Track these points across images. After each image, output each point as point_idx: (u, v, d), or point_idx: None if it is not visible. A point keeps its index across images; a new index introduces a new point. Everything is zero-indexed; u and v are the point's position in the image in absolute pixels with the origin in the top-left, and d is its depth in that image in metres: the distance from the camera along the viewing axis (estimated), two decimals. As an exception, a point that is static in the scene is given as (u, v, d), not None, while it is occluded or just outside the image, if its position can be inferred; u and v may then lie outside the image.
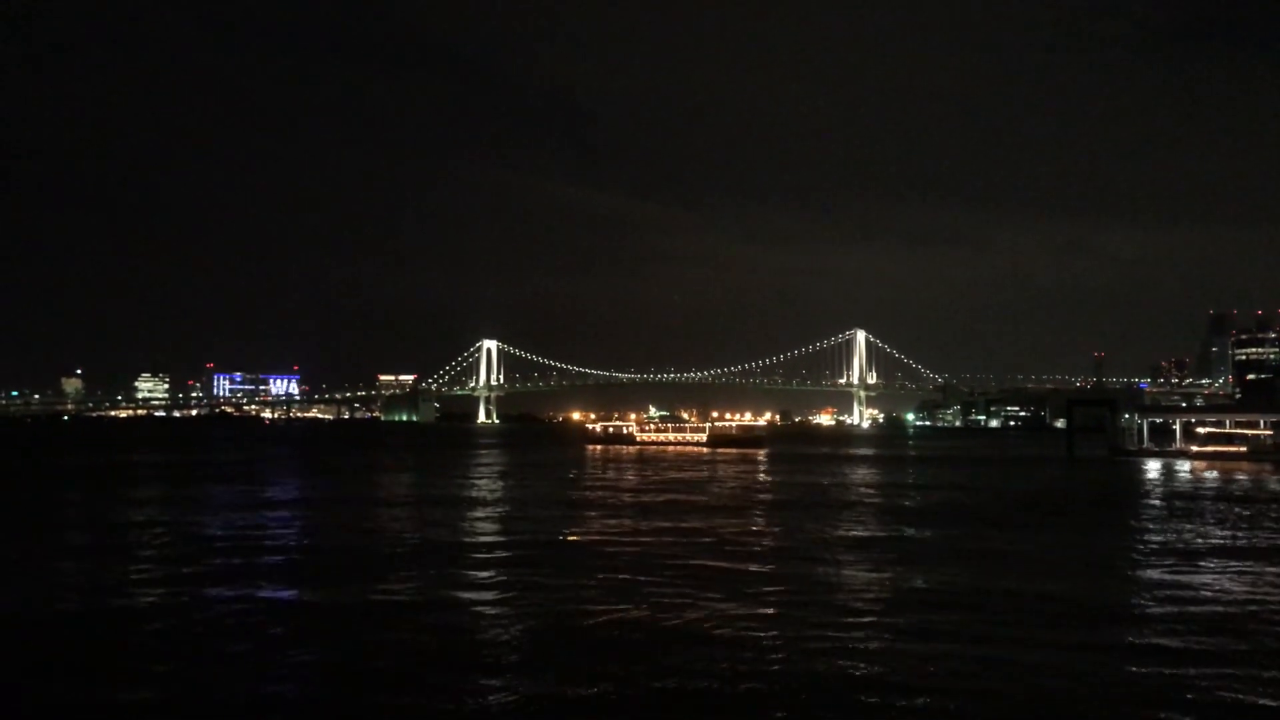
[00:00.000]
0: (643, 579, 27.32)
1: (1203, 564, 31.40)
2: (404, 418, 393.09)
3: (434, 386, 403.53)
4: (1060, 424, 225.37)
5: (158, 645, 20.22)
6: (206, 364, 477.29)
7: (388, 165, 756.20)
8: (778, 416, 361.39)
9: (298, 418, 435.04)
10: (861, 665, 18.56)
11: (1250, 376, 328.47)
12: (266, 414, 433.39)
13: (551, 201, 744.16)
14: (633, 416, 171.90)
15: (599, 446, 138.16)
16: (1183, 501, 53.69)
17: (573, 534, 38.78)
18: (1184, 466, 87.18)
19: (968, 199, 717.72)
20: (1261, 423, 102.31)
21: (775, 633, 21.03)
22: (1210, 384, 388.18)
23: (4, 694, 17.17)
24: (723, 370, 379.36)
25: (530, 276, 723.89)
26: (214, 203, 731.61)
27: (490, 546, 35.02)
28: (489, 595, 25.58)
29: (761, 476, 77.05)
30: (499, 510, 48.61)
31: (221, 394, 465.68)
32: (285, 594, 25.87)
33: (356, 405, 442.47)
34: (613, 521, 42.83)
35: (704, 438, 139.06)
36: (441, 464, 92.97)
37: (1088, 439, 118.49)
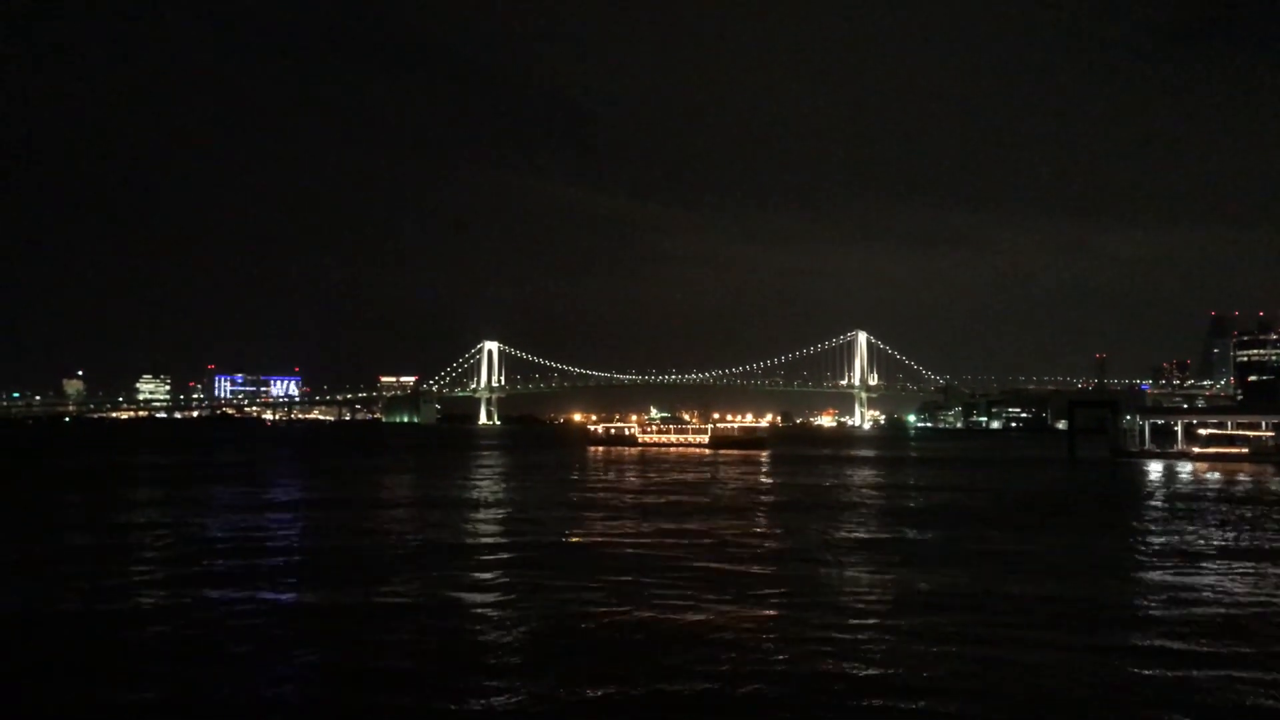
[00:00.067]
0: (645, 580, 27.28)
1: (1205, 566, 31.34)
2: (405, 419, 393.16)
3: (435, 388, 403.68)
4: (1062, 425, 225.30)
5: (159, 646, 20.20)
6: (208, 365, 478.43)
7: (388, 166, 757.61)
8: (779, 418, 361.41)
9: (299, 419, 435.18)
10: (864, 667, 18.53)
11: (1252, 378, 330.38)
12: (268, 415, 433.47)
13: (552, 202, 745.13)
14: (634, 418, 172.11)
15: (600, 448, 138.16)
16: (1184, 503, 53.63)
17: (575, 535, 38.75)
18: (1185, 468, 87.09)
19: (968, 199, 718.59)
20: (1263, 424, 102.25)
21: (778, 634, 21.00)
22: (1212, 385, 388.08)
23: (4, 694, 17.16)
24: (723, 371, 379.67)
25: (531, 277, 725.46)
26: (214, 203, 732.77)
27: (492, 548, 35.00)
28: (491, 597, 25.55)
29: (764, 478, 77.02)
30: (500, 512, 48.59)
31: (223, 395, 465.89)
32: (287, 596, 25.85)
33: (357, 407, 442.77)
34: (615, 523, 42.81)
35: (706, 439, 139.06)
36: (443, 465, 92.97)
37: (1089, 440, 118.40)
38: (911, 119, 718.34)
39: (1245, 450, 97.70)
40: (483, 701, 16.49)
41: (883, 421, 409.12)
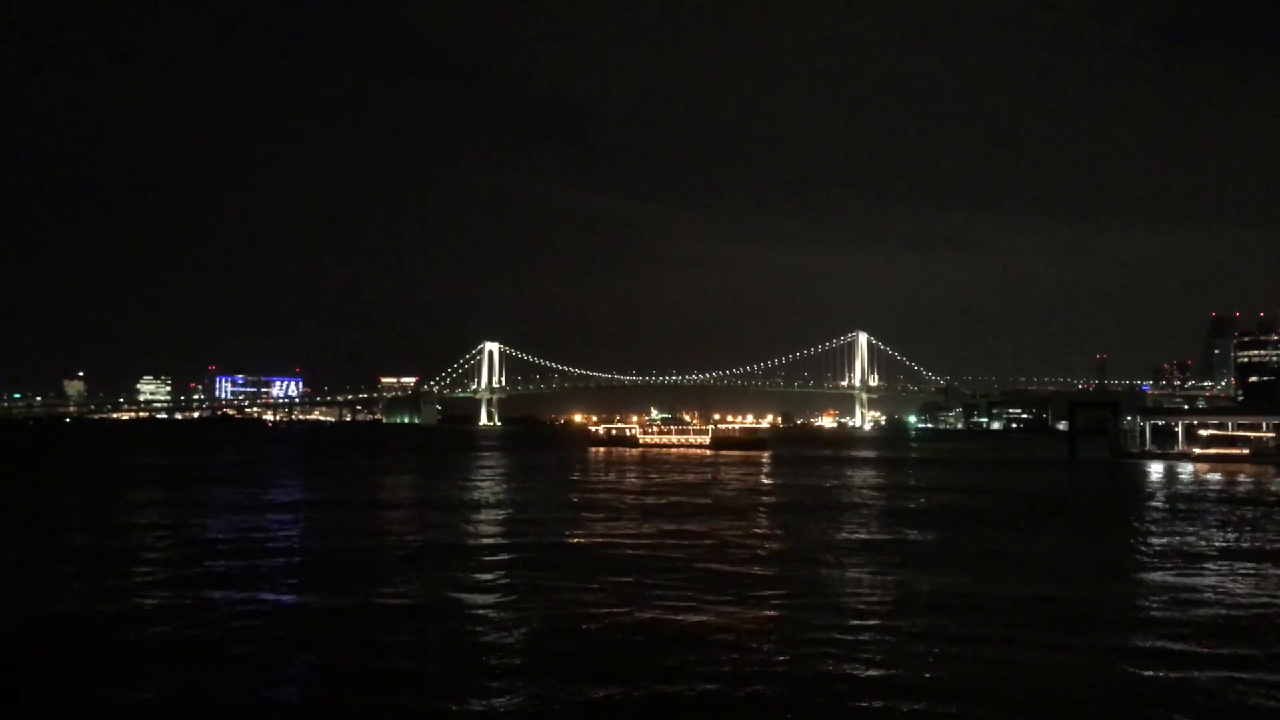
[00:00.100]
0: (646, 581, 27.28)
1: (1206, 567, 31.32)
2: (406, 420, 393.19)
3: (436, 389, 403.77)
4: (1062, 426, 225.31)
5: (160, 647, 20.21)
6: (208, 366, 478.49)
7: (388, 167, 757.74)
8: (779, 419, 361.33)
9: (299, 420, 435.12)
10: (865, 668, 18.53)
11: (1252, 379, 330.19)
12: (268, 416, 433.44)
13: (552, 203, 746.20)
14: (634, 418, 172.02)
15: (601, 449, 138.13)
16: (1185, 504, 53.61)
17: (576, 536, 38.75)
18: (1186, 469, 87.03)
19: (968, 200, 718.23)
20: (1264, 425, 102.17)
21: (779, 635, 21.00)
22: (1212, 386, 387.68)
23: (5, 694, 17.16)
24: (724, 372, 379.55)
25: (531, 278, 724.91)
26: (215, 204, 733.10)
27: (493, 549, 35.00)
28: (492, 598, 25.56)
29: (764, 479, 77.01)
30: (501, 513, 48.59)
31: (223, 396, 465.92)
32: (287, 597, 25.86)
33: (358, 407, 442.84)
34: (616, 524, 42.82)
35: (707, 440, 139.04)
36: (443, 466, 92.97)
37: (1090, 441, 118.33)
38: (911, 119, 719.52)
39: (1246, 451, 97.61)
40: (484, 702, 16.49)
41: (883, 422, 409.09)
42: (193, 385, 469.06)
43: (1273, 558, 33.19)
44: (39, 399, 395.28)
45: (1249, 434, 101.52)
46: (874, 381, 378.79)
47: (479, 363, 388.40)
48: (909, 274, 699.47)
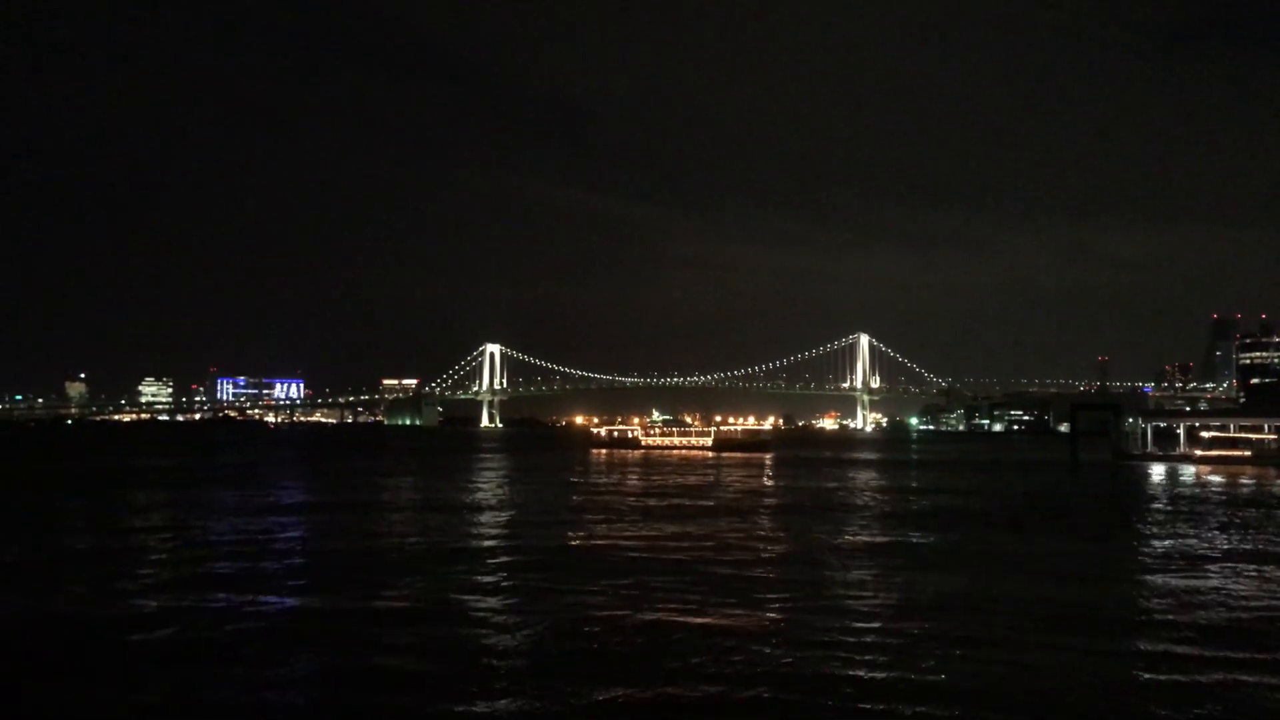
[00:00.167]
0: (648, 583, 27.26)
1: (1208, 569, 31.26)
2: (407, 422, 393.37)
3: (437, 390, 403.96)
4: (1064, 428, 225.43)
5: (161, 649, 20.18)
6: (210, 368, 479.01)
7: (388, 168, 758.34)
8: (781, 420, 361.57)
9: (301, 422, 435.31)
10: (869, 670, 18.49)
11: (1254, 381, 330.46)
12: (270, 418, 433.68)
13: (552, 204, 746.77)
14: (636, 420, 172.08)
15: (603, 451, 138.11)
16: (1187, 506, 53.55)
17: (577, 538, 38.72)
18: (1188, 471, 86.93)
19: (968, 201, 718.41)
20: (1265, 427, 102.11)
21: (782, 637, 20.97)
22: (1214, 388, 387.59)
23: (6, 695, 17.15)
24: (725, 374, 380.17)
25: (531, 279, 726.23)
26: (216, 205, 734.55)
27: (494, 551, 34.97)
28: (494, 600, 25.53)
29: (766, 481, 76.98)
30: (503, 515, 48.55)
31: (225, 398, 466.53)
32: (289, 599, 25.82)
33: (360, 409, 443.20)
34: (618, 526, 42.79)
35: (709, 442, 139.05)
36: (445, 468, 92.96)
37: (1091, 443, 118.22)
38: (911, 119, 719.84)
39: (1248, 453, 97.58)
40: (486, 705, 16.46)
41: (885, 424, 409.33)
42: (194, 387, 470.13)
43: (1275, 560, 33.13)
44: (40, 400, 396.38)
45: (1251, 436, 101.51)
46: (875, 383, 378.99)
47: (480, 364, 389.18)
48: (909, 275, 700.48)
